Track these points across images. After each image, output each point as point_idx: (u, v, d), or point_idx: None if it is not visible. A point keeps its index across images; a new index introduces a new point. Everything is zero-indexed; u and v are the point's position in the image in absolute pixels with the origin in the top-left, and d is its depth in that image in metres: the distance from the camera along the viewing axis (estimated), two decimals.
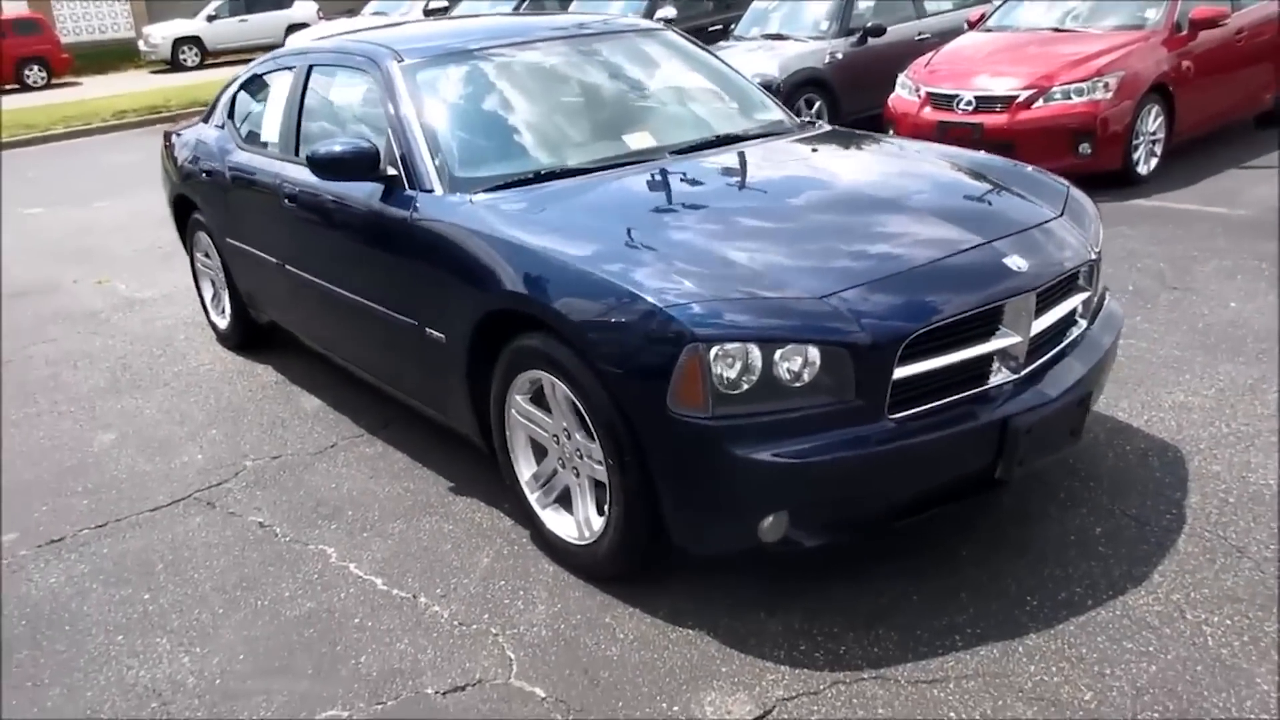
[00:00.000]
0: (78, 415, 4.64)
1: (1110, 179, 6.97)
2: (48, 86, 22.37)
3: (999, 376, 2.75)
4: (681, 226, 2.95)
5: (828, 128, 4.08)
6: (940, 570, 2.90)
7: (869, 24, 9.22)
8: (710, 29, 10.85)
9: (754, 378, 2.47)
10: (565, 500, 3.05)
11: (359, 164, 3.41)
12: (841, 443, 2.51)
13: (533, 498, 3.14)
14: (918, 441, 2.57)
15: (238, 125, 4.84)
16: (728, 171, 3.45)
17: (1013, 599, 2.75)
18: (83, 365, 5.30)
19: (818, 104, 9.09)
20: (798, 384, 2.49)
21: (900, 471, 2.60)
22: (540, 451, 3.11)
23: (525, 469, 3.15)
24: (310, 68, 4.26)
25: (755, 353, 2.46)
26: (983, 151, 3.83)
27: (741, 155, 3.58)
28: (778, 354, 2.46)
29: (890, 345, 2.51)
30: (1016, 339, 2.74)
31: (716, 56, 4.37)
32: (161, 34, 23.92)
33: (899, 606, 2.76)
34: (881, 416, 2.55)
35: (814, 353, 2.48)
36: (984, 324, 2.70)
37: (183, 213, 5.43)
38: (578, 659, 2.67)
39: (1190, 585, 2.75)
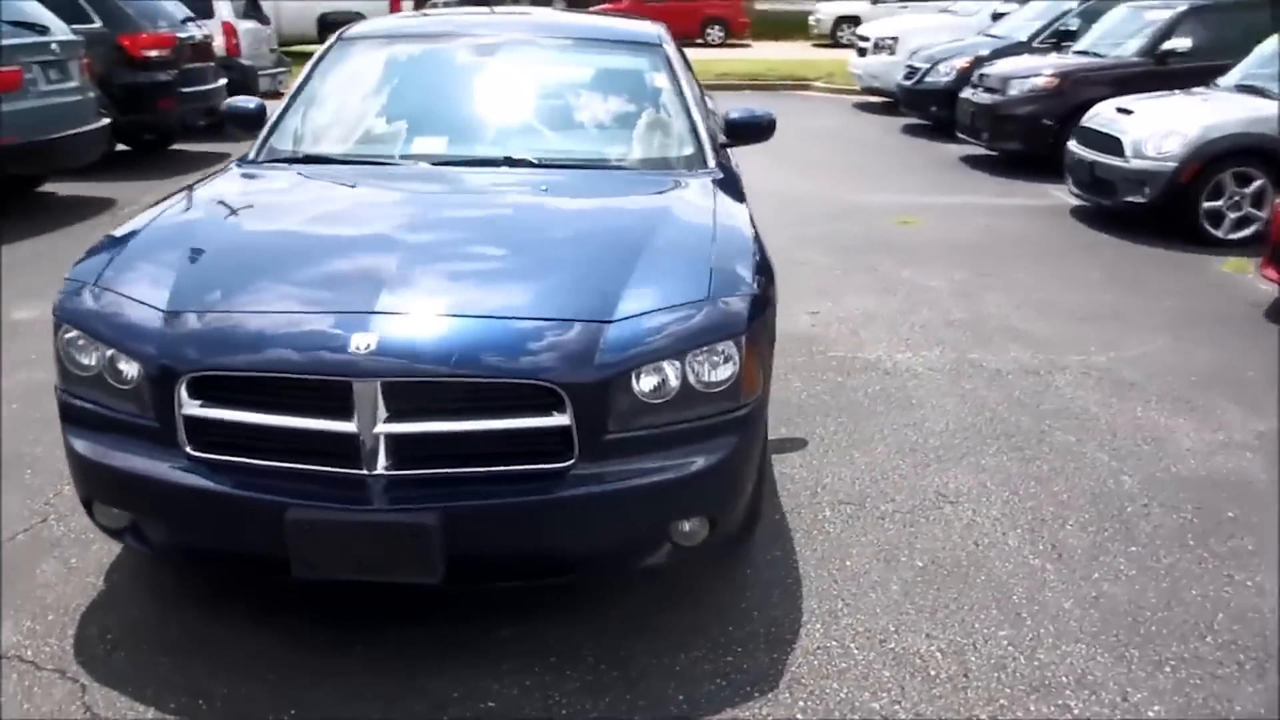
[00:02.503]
0: None
1: None
2: (723, 45, 25.38)
3: (369, 466, 2.39)
4: (254, 220, 3.16)
5: (686, 177, 3.43)
6: (328, 660, 2.61)
7: None
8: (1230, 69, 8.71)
9: (92, 367, 2.56)
10: None
11: (248, 119, 3.93)
12: (126, 453, 2.51)
13: None
14: (197, 487, 2.44)
15: None
16: (410, 187, 3.44)
17: None
18: None
19: (1258, 183, 6.94)
20: (120, 386, 2.52)
21: (189, 511, 2.50)
22: None
23: None
24: None
25: (91, 344, 2.55)
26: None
27: (454, 180, 3.43)
28: (106, 351, 2.52)
29: (170, 376, 2.42)
30: (349, 428, 2.35)
31: (678, 86, 3.84)
32: (827, 11, 25.60)
33: (218, 682, 2.54)
34: (178, 448, 2.45)
35: (130, 361, 2.49)
36: (316, 397, 2.38)
37: None
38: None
39: None
